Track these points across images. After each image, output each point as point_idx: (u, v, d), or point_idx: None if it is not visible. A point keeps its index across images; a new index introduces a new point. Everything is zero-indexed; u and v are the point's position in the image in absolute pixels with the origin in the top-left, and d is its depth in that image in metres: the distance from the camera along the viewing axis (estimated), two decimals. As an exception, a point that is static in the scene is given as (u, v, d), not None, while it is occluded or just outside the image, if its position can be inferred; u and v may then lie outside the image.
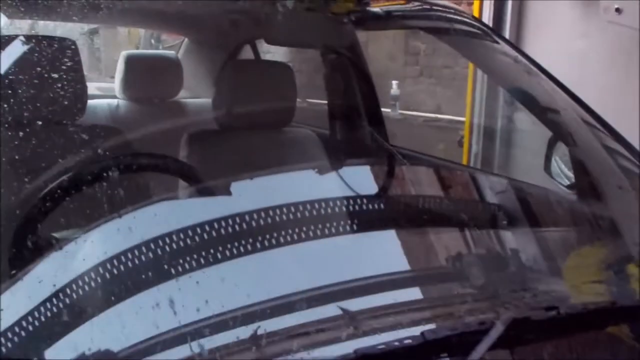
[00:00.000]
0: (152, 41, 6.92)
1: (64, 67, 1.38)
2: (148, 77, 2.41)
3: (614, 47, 2.68)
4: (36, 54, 1.32)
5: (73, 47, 1.44)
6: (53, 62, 1.35)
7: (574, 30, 2.82)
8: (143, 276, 1.03)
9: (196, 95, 2.65)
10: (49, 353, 0.88)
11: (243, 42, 2.44)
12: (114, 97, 2.45)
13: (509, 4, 3.07)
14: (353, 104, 1.81)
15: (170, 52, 2.60)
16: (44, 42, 1.43)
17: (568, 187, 1.42)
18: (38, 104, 1.26)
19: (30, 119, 1.22)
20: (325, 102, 1.94)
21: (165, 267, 1.05)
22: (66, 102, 1.33)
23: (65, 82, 1.35)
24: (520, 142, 3.14)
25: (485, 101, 3.25)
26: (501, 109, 3.21)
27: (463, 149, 3.41)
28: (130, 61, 2.37)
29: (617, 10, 2.47)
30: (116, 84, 2.42)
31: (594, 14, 2.69)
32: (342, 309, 1.08)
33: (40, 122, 1.22)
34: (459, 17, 1.59)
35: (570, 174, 1.37)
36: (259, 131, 1.69)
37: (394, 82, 5.48)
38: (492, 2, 3.11)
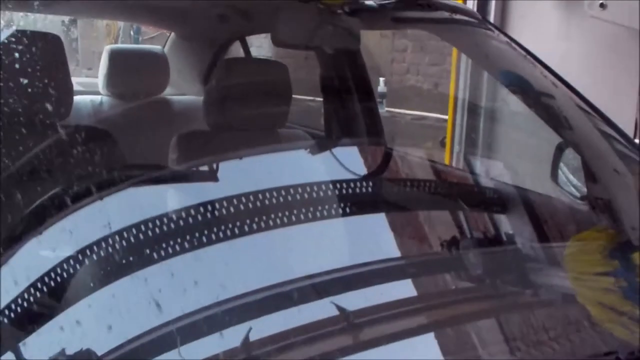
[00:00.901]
0: (132, 32, 6.82)
1: (48, 64, 1.31)
2: (133, 72, 2.33)
3: (596, 46, 2.67)
4: (19, 49, 1.24)
5: (58, 42, 1.37)
6: (36, 58, 1.27)
7: (556, 30, 2.82)
8: (123, 269, 0.99)
9: (182, 91, 2.57)
10: (26, 349, 0.84)
11: (233, 38, 2.37)
12: (97, 93, 2.36)
13: (492, 4, 3.06)
14: (350, 106, 1.76)
15: (157, 47, 2.52)
16: (27, 36, 1.35)
17: (578, 198, 1.37)
18: (20, 104, 1.19)
19: (13, 119, 1.15)
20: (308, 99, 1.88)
21: (146, 259, 1.01)
22: (51, 102, 1.26)
23: (50, 80, 1.28)
24: (505, 144, 3.12)
25: (468, 101, 3.24)
26: (484, 108, 3.20)
27: (446, 148, 3.40)
28: (115, 56, 2.29)
29: (602, 5, 2.45)
30: (100, 80, 2.33)
31: (576, 12, 2.68)
32: (338, 307, 1.03)
33: (23, 123, 1.15)
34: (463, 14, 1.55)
35: (579, 184, 1.33)
36: (252, 133, 1.63)
37: (381, 80, 5.44)
38: (475, 2, 3.09)
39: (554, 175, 1.32)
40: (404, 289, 1.20)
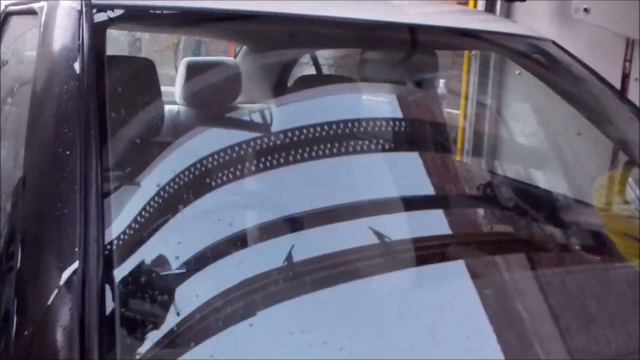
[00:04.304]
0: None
1: (144, 86, 1.46)
2: (208, 83, 2.48)
3: (582, 49, 2.73)
4: (121, 73, 1.39)
5: (151, 66, 1.52)
6: (136, 80, 1.43)
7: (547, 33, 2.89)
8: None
9: (252, 100, 2.72)
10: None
11: (301, 52, 2.49)
12: (174, 102, 2.53)
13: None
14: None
15: (230, 59, 2.67)
16: (127, 61, 1.50)
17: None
18: (125, 122, 1.34)
19: (120, 137, 1.30)
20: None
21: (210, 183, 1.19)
22: (149, 120, 1.41)
23: (146, 100, 1.43)
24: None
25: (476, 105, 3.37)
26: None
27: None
28: (191, 67, 2.45)
29: (585, 10, 2.56)
30: (176, 90, 2.49)
31: (565, 16, 2.79)
32: (376, 233, 1.15)
33: (129, 142, 1.30)
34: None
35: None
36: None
37: (441, 81, 5.44)
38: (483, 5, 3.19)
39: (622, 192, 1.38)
40: (440, 223, 1.33)
